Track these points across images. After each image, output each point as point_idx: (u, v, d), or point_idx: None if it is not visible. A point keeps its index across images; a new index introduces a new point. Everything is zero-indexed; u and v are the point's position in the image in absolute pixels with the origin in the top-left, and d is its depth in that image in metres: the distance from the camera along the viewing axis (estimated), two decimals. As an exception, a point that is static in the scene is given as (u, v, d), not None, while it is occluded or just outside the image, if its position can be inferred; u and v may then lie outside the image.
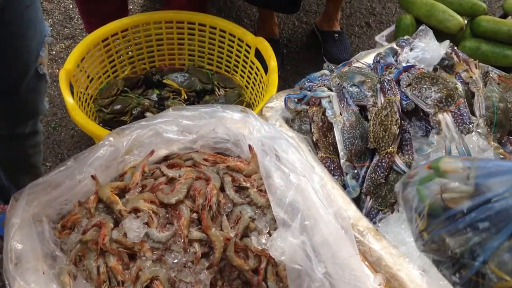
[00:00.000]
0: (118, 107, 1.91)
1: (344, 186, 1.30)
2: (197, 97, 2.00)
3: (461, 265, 0.91)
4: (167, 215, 1.09)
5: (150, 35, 2.00)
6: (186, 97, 1.95)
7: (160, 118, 1.21)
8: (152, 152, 1.21)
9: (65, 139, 2.06)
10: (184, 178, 1.13)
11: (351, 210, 1.21)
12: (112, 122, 1.89)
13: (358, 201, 1.30)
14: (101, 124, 1.83)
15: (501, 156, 1.25)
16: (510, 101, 1.43)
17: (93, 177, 1.12)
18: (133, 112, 1.91)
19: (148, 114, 1.91)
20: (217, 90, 2.01)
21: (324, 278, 1.09)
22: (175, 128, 1.21)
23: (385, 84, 1.30)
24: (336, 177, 1.29)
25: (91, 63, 1.86)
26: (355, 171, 1.30)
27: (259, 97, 1.85)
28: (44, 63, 1.18)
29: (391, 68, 1.39)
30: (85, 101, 1.84)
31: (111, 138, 1.17)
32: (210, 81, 2.05)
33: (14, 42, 1.09)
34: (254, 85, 1.92)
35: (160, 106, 1.94)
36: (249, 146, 1.22)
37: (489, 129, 1.32)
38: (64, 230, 1.09)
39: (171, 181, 1.15)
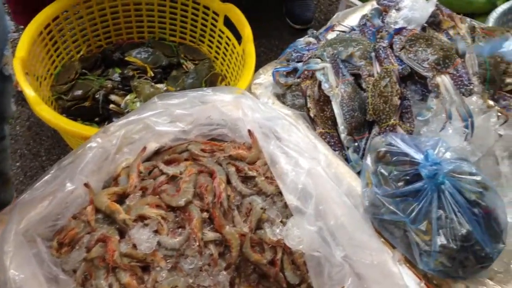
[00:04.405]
0: (79, 92, 1.74)
1: (346, 161, 1.25)
2: (164, 73, 1.86)
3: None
4: (177, 219, 1.00)
5: (104, 8, 1.81)
6: (152, 74, 1.81)
7: (149, 110, 1.10)
8: (144, 148, 1.10)
9: (21, 132, 1.87)
10: (188, 175, 1.04)
11: (359, 185, 1.18)
12: (74, 109, 1.73)
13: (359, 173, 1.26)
14: (64, 115, 1.67)
15: (499, 114, 1.24)
16: (497, 54, 1.41)
17: (86, 185, 1.00)
18: (96, 96, 1.75)
19: (113, 97, 1.76)
20: (184, 63, 1.87)
21: (344, 262, 1.05)
22: (168, 120, 1.10)
23: (381, 52, 1.23)
24: (337, 152, 1.25)
25: (43, 46, 1.67)
26: (356, 144, 1.26)
27: (233, 68, 1.74)
28: (9, 63, 1.02)
29: (381, 32, 1.33)
30: (42, 89, 1.66)
31: (98, 139, 1.05)
32: (175, 54, 1.91)
33: None
34: (225, 56, 1.80)
35: (124, 87, 1.79)
36: (249, 131, 1.14)
37: (483, 87, 1.30)
38: (62, 248, 0.98)
39: (172, 179, 1.06)
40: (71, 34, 1.79)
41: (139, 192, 1.02)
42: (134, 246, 0.95)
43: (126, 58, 1.83)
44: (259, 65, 1.45)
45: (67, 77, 1.76)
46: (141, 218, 0.98)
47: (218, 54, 1.85)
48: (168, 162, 1.09)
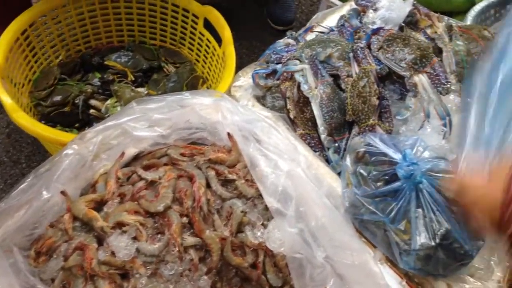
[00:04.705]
0: (59, 98, 1.71)
1: (327, 161, 1.25)
2: (145, 77, 1.84)
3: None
4: (156, 225, 0.99)
5: (83, 12, 1.79)
6: (133, 78, 1.79)
7: (127, 115, 1.09)
8: (123, 154, 1.09)
9: (0, 139, 1.84)
10: (167, 180, 1.03)
11: (340, 186, 1.18)
12: (53, 115, 1.71)
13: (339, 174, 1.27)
14: (43, 121, 1.65)
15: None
16: (474, 52, 1.42)
17: (63, 193, 0.99)
18: (76, 101, 1.73)
19: (93, 102, 1.74)
20: (165, 66, 1.86)
21: (326, 263, 1.05)
22: (146, 124, 1.09)
23: (359, 52, 1.24)
24: (317, 153, 1.25)
25: (21, 52, 1.65)
26: (336, 144, 1.26)
27: (214, 71, 1.73)
28: None
29: (359, 32, 1.33)
30: (20, 95, 1.63)
31: (74, 146, 1.04)
32: (155, 57, 1.89)
33: None
34: (206, 58, 1.79)
35: (105, 91, 1.77)
36: (228, 134, 1.13)
37: (461, 85, 1.31)
38: (40, 257, 0.96)
39: (151, 184, 1.05)
40: (49, 39, 1.77)
41: (117, 198, 1.01)
42: (113, 253, 0.94)
43: (106, 62, 1.81)
44: (241, 66, 1.44)
45: (45, 83, 1.73)
46: (119, 225, 0.97)
47: (199, 56, 1.84)
48: (147, 167, 1.08)
